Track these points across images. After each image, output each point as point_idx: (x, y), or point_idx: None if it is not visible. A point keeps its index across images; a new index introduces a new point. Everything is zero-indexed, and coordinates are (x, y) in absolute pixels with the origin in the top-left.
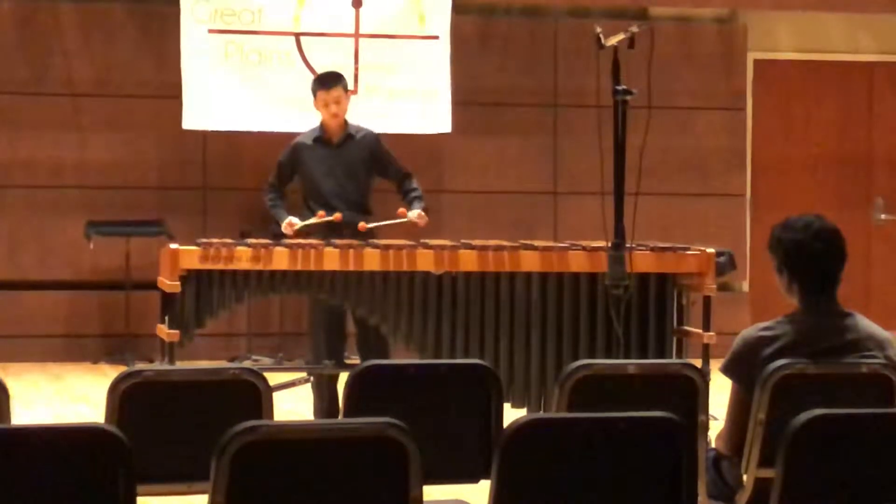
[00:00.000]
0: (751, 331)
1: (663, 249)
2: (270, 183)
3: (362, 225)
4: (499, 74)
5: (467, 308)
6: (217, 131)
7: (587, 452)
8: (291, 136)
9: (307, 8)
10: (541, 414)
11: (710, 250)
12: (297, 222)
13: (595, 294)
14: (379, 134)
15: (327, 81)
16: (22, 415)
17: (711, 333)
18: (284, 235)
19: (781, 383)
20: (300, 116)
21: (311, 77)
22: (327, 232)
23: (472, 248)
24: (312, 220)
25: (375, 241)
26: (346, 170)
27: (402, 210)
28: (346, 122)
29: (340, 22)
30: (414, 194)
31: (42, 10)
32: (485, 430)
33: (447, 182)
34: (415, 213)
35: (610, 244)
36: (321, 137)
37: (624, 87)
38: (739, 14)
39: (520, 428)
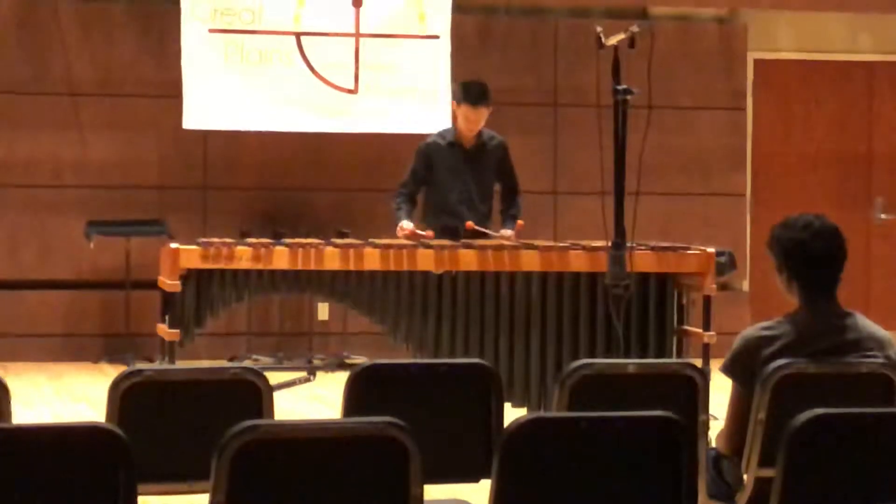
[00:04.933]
0: (751, 330)
1: (663, 249)
2: (403, 184)
3: (469, 224)
4: (499, 74)
5: (467, 307)
6: (217, 131)
7: (587, 452)
8: (290, 135)
9: (307, 7)
10: (541, 413)
11: (711, 250)
12: (406, 227)
13: (595, 293)
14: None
15: (477, 99)
16: (22, 414)
17: (712, 333)
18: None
19: (782, 383)
20: (300, 115)
21: (312, 76)
22: (451, 236)
23: (472, 247)
24: (411, 229)
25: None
26: (476, 176)
27: (469, 224)
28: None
29: (341, 21)
30: (513, 212)
31: (42, 9)
32: (485, 429)
33: None
34: (509, 232)
35: (610, 244)
36: (454, 142)
37: (624, 86)
38: (739, 13)
39: (520, 427)
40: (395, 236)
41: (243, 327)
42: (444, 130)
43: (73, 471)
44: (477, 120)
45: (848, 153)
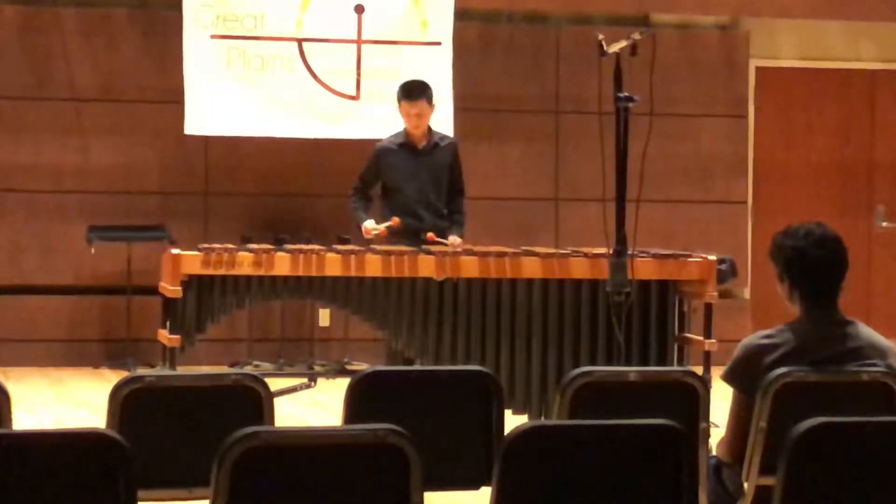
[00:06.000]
0: (752, 338)
1: (665, 256)
2: (355, 186)
3: (430, 236)
4: (501, 81)
5: (468, 314)
6: (219, 136)
7: (588, 460)
8: (291, 141)
9: (309, 13)
10: (542, 421)
11: (712, 257)
12: (370, 227)
13: (596, 301)
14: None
15: (411, 93)
16: (23, 419)
17: (713, 341)
18: (369, 240)
19: (783, 391)
20: (302, 122)
21: (314, 82)
22: (412, 237)
23: (474, 254)
24: (383, 226)
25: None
26: (431, 176)
27: (430, 235)
28: (429, 129)
29: (343, 27)
30: (458, 217)
31: (44, 15)
32: (486, 436)
33: None
34: (457, 241)
35: (611, 251)
36: (406, 143)
37: (626, 93)
38: (741, 21)
39: (521, 435)
40: (394, 243)
41: (244, 333)
42: (396, 134)
43: (74, 476)
44: (418, 114)
45: (849, 161)
